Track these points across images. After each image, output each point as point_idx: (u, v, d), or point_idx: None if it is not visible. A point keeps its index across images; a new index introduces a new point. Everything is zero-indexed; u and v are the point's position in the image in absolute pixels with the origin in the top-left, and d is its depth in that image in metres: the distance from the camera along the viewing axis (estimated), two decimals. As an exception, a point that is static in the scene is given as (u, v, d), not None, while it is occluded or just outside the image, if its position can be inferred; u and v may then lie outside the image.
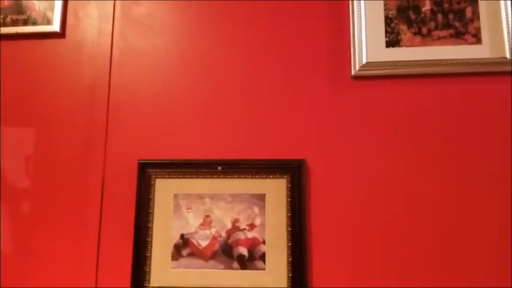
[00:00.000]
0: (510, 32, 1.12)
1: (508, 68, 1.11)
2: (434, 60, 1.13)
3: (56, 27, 1.26)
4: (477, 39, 1.13)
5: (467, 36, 1.14)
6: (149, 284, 1.11)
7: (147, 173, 1.17)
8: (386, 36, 1.16)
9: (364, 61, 1.15)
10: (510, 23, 1.12)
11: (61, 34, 1.27)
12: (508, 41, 1.11)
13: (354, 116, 1.15)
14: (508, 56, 1.11)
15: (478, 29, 1.13)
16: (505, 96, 1.11)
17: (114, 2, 1.27)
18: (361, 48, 1.16)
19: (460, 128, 1.12)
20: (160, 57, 1.24)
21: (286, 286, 1.08)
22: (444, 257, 1.07)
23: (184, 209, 1.15)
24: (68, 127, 1.23)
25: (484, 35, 1.13)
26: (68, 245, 1.16)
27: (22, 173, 1.21)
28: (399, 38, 1.16)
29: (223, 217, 1.14)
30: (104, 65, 1.24)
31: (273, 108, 1.18)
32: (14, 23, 1.28)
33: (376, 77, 1.16)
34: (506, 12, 1.12)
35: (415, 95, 1.14)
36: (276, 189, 1.13)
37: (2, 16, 1.28)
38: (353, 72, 1.16)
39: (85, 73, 1.25)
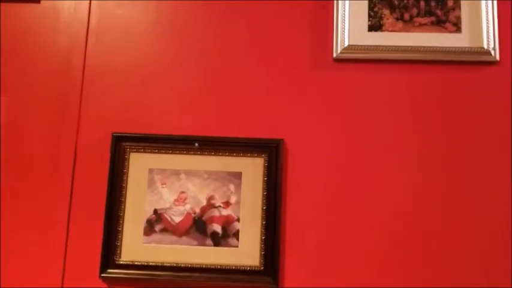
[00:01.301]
0: (489, 22, 1.14)
1: (485, 58, 1.13)
2: (415, 46, 1.14)
3: (30, -9, 1.21)
4: (457, 28, 1.15)
5: (447, 25, 1.15)
6: (120, 258, 1.09)
7: (121, 146, 1.14)
8: (369, 20, 1.16)
9: (346, 44, 1.15)
10: (490, 13, 1.14)
11: (36, -1, 1.22)
12: (487, 31, 1.13)
13: (334, 98, 1.16)
14: (485, 46, 1.13)
15: (459, 18, 1.15)
16: (481, 85, 1.14)
17: (94, -31, 1.23)
18: (343, 31, 1.16)
19: (438, 114, 1.13)
20: (139, 28, 1.20)
21: (258, 264, 1.08)
22: (430, 246, 1.10)
23: (159, 184, 1.13)
24: (41, 96, 1.18)
25: (464, 24, 1.15)
26: (38, 217, 1.13)
27: (-10, 141, 1.17)
28: (381, 22, 1.16)
29: (199, 194, 1.12)
30: (80, 32, 1.20)
31: (254, 86, 1.17)
32: (-14, -16, 1.21)
33: (357, 60, 1.16)
34: (486, 2, 1.14)
35: (394, 80, 1.15)
36: (252, 168, 1.13)
37: (-28, -24, 1.21)
38: (335, 55, 1.16)
39: (61, 40, 1.20)
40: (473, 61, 1.14)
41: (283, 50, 1.18)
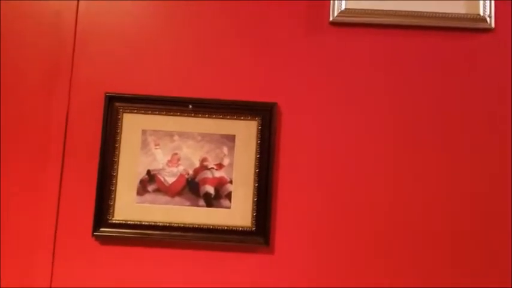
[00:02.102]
0: (486, -11, 1.13)
1: (481, 25, 1.13)
2: (411, 11, 1.13)
3: None
4: (454, -7, 1.15)
5: (445, -10, 1.15)
6: (113, 217, 1.10)
7: (114, 106, 1.13)
8: (367, -16, 1.15)
9: (343, 7, 1.14)
10: (487, -20, 1.13)
11: (25, -47, 1.18)
12: (483, -2, 1.13)
13: (329, 62, 1.15)
14: (481, 13, 1.13)
15: (456, -16, 1.15)
16: (477, 52, 1.14)
17: None
18: (341, -6, 1.15)
19: (433, 80, 1.14)
20: (133, -14, 1.18)
21: (250, 225, 1.10)
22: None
23: (152, 145, 1.13)
24: (32, 55, 1.16)
25: (461, -10, 1.14)
26: (31, 177, 1.12)
27: (-20, 98, 1.15)
28: (379, -14, 1.15)
29: (192, 155, 1.13)
30: (72, -11, 1.17)
31: (249, 49, 1.16)
32: None
33: (353, 24, 1.15)
34: (484, -31, 1.14)
35: (390, 45, 1.15)
36: (246, 130, 1.13)
37: None
38: (331, 18, 1.15)
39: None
40: (469, 28, 1.14)
41: (279, 12, 1.16)
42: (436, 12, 1.13)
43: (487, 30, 1.14)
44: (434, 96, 1.14)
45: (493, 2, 1.13)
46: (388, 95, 1.14)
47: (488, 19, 1.13)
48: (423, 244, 1.10)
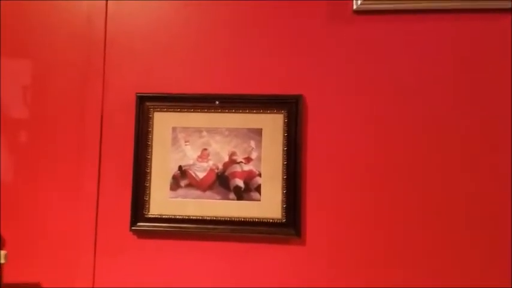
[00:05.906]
0: (517, -34, 1.08)
1: (507, 5, 1.08)
2: (438, -6, 1.10)
3: (50, -45, 1.22)
4: (481, -26, 1.10)
5: (471, -29, 1.10)
6: (148, 212, 1.15)
7: (145, 106, 1.17)
8: (390, -31, 1.12)
9: (367, -5, 1.12)
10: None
11: (56, -37, 1.23)
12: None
13: (354, 51, 1.14)
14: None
15: (483, -37, 1.10)
16: (503, 33, 1.10)
17: None
18: (364, -18, 1.13)
19: (460, 64, 1.11)
20: (158, -13, 1.21)
21: (280, 216, 1.12)
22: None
23: (182, 142, 1.17)
24: (65, 59, 1.22)
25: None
26: (69, 176, 1.19)
27: (20, 104, 1.22)
28: (404, -30, 1.12)
29: (221, 150, 1.16)
30: (100, -6, 1.22)
31: (272, 42, 1.17)
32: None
33: (378, 11, 1.13)
34: None
35: (416, 30, 1.12)
36: (272, 124, 1.14)
37: None
38: (355, 6, 1.13)
39: (81, 3, 1.22)
40: (495, 9, 1.10)
41: (302, 3, 1.16)
42: (463, -6, 1.09)
43: (517, 9, 1.09)
44: (467, 81, 1.10)
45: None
46: (418, 83, 1.12)
47: (518, -3, 1.08)
48: (455, 236, 1.08)
